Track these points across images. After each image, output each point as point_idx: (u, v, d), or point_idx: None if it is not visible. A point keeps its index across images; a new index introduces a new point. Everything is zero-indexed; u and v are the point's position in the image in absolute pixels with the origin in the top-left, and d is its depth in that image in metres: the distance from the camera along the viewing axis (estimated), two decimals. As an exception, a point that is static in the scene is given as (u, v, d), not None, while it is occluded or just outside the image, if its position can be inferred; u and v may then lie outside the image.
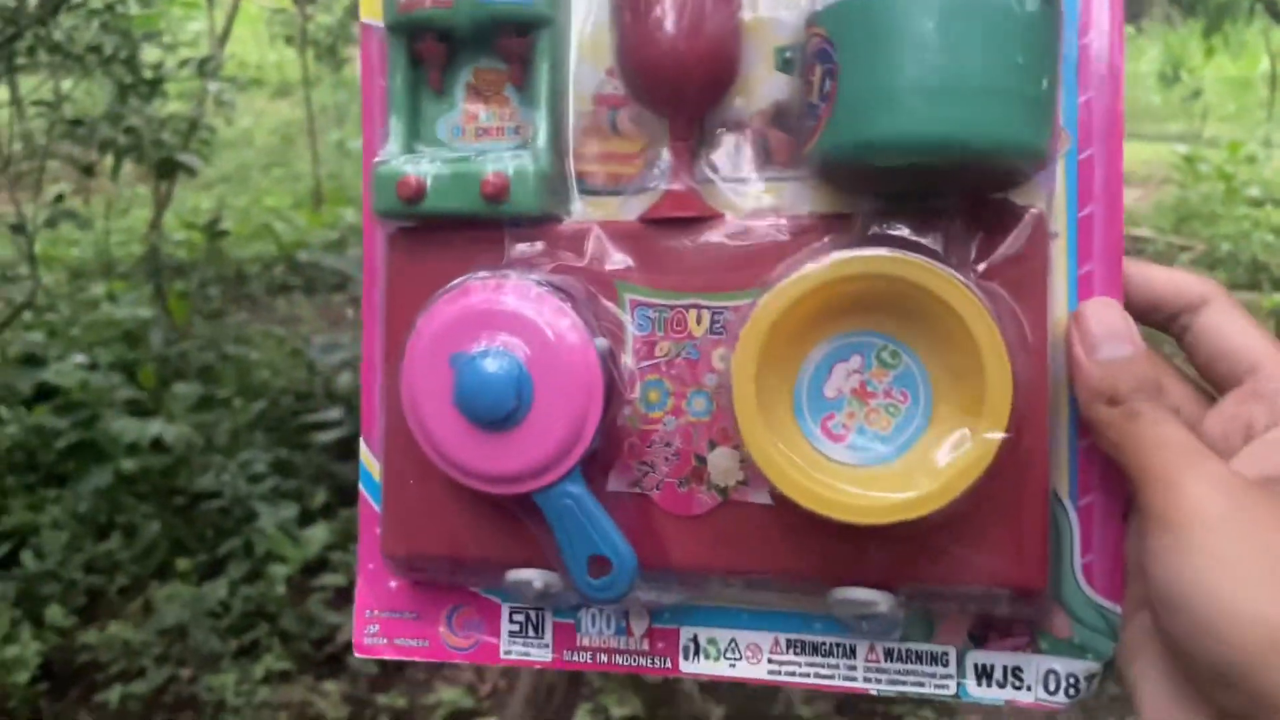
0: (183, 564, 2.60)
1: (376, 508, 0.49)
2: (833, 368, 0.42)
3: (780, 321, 0.40)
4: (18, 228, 2.57)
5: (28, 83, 3.73)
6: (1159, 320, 0.43)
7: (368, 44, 0.49)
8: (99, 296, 3.77)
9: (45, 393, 3.16)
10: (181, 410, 2.90)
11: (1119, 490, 0.42)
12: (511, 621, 0.49)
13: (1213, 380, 0.42)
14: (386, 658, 0.51)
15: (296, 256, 4.59)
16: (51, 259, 4.46)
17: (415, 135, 0.48)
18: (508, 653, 0.48)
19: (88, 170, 2.66)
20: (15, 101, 3.75)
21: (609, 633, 0.48)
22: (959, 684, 0.44)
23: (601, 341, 0.45)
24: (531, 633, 0.48)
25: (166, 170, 2.55)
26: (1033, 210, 0.42)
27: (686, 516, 0.45)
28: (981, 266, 0.42)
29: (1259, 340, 0.41)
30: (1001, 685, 0.44)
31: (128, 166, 3.44)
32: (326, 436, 3.17)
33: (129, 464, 2.64)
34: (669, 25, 0.42)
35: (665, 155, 0.46)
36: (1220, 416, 0.41)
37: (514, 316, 0.43)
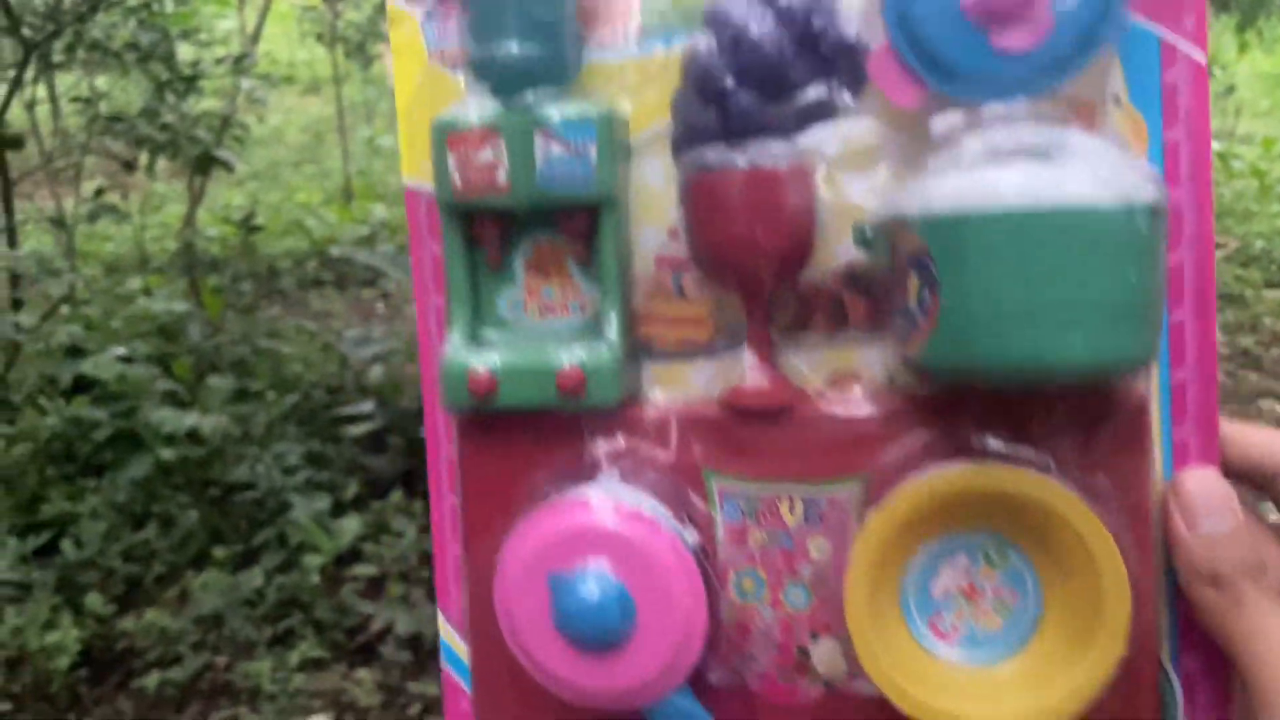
0: (219, 553, 2.64)
1: (460, 681, 0.49)
2: (939, 568, 0.41)
3: (891, 538, 0.40)
4: (58, 222, 2.61)
5: (65, 80, 3.79)
6: (1256, 482, 0.42)
7: (414, 209, 0.47)
8: (135, 291, 3.82)
9: (83, 385, 3.21)
10: (216, 403, 2.94)
11: (1219, 656, 0.41)
12: None
13: None
14: None
15: (328, 252, 4.64)
16: (88, 254, 4.53)
17: (478, 318, 0.47)
18: None
19: (128, 166, 2.70)
20: (53, 99, 3.81)
21: None
22: None
23: (691, 535, 0.44)
24: None
25: (203, 166, 2.58)
26: (1135, 397, 0.41)
27: (791, 708, 0.44)
28: (1085, 456, 0.41)
29: None
30: None
31: (162, 163, 3.49)
32: (358, 430, 3.21)
33: (167, 454, 2.68)
34: (745, 217, 0.41)
35: (737, 321, 0.45)
36: None
37: (609, 535, 0.41)
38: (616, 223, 0.44)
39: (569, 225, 0.45)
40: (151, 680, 2.38)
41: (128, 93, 3.60)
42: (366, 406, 3.28)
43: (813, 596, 0.44)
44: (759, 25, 0.41)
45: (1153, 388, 0.42)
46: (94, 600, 2.53)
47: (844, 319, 0.44)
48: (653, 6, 0.45)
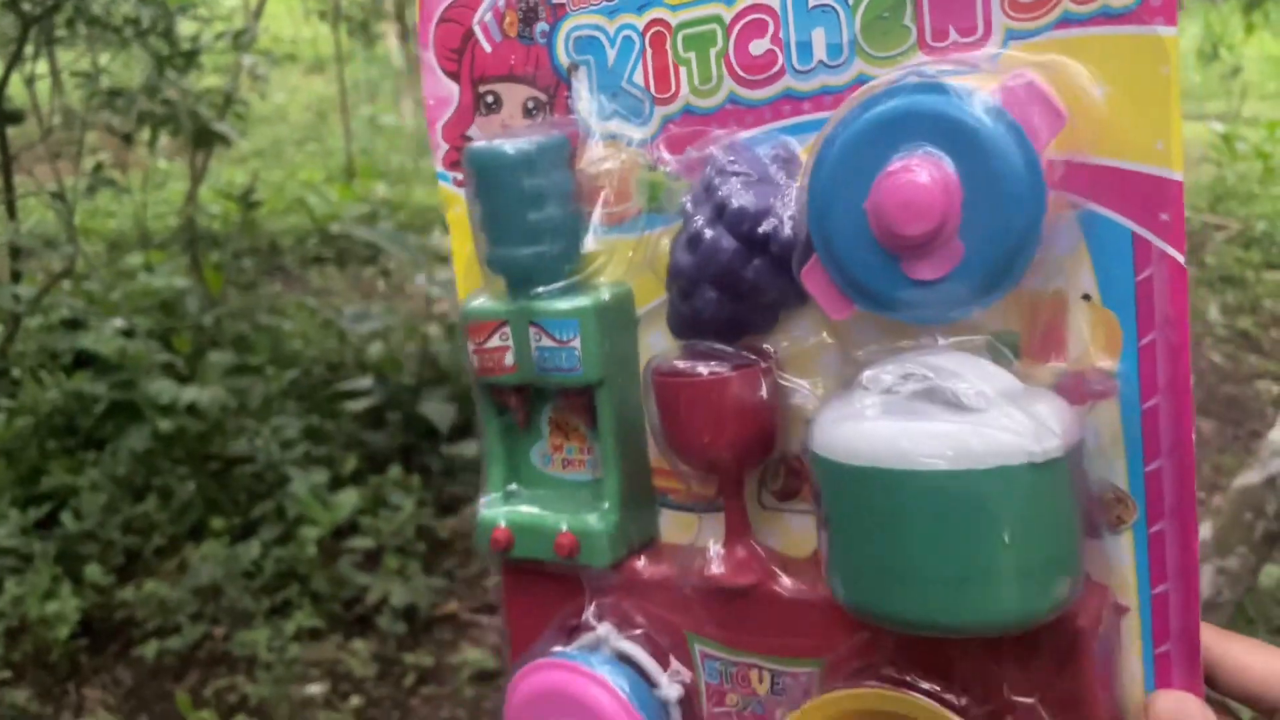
0: (217, 523, 2.67)
1: None
2: None
3: None
4: (58, 195, 2.62)
5: (66, 56, 3.79)
6: (1258, 710, 0.40)
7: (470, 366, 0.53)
8: (136, 266, 3.84)
9: (83, 360, 3.23)
10: (216, 377, 2.96)
11: None
12: None
13: None
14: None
15: (329, 229, 4.65)
16: (90, 231, 4.54)
17: (514, 471, 0.53)
18: None
19: (126, 138, 2.71)
20: (54, 74, 3.82)
21: None
22: None
23: (675, 690, 0.48)
24: None
25: (203, 140, 2.59)
26: (1070, 630, 0.39)
27: None
28: (1013, 687, 0.40)
29: None
30: None
31: (164, 140, 3.50)
32: (357, 405, 3.23)
33: (165, 425, 2.70)
34: (695, 426, 0.44)
35: (719, 503, 0.48)
36: None
37: (574, 699, 0.46)
38: (612, 400, 0.48)
39: (568, 401, 0.51)
40: (150, 649, 2.41)
41: (129, 68, 3.60)
42: (365, 383, 3.29)
43: None
44: (711, 228, 0.44)
45: (1132, 598, 0.41)
46: (94, 571, 2.56)
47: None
48: (646, 189, 0.48)
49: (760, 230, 0.43)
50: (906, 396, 0.38)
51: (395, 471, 2.99)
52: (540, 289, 0.48)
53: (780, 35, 0.44)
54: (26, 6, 2.64)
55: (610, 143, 0.48)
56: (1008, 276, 0.38)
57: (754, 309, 0.45)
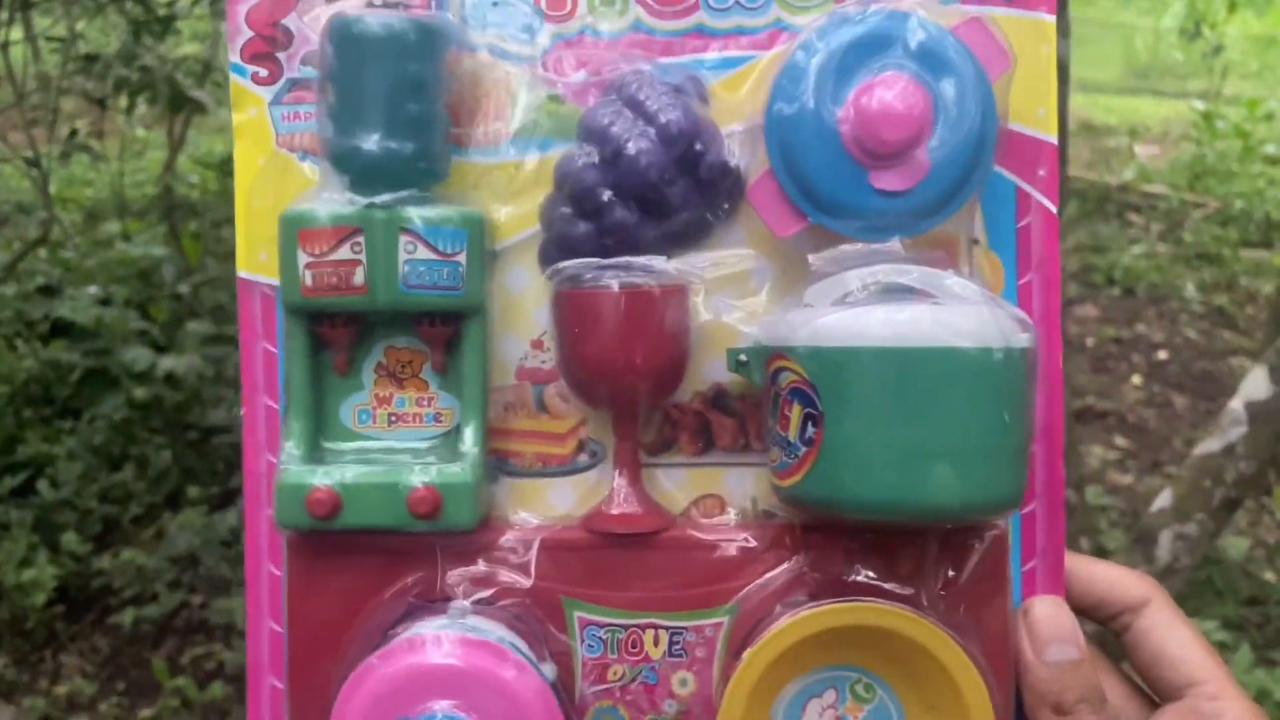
0: (193, 491, 2.66)
1: None
2: (806, 704, 0.41)
3: (764, 675, 0.39)
4: (32, 162, 2.60)
5: (41, 22, 3.75)
6: (1100, 617, 0.45)
7: (248, 303, 0.45)
8: (113, 235, 3.81)
9: (60, 329, 3.21)
10: (193, 346, 2.95)
11: None
12: None
13: (1151, 683, 0.44)
14: None
15: (309, 200, 4.62)
16: (67, 199, 4.50)
17: (320, 428, 0.43)
18: None
19: (101, 104, 2.69)
20: (30, 38, 3.77)
21: None
22: None
23: (550, 669, 0.42)
24: None
25: (178, 106, 2.57)
26: (994, 532, 0.42)
27: None
28: (949, 590, 0.42)
29: (1197, 652, 0.42)
30: None
31: (142, 108, 3.46)
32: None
33: (141, 393, 2.69)
34: (622, 336, 0.40)
35: (598, 440, 0.44)
36: None
37: (462, 674, 0.39)
38: (482, 332, 0.42)
39: (429, 331, 0.42)
40: (127, 617, 2.42)
41: (106, 34, 3.56)
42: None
43: None
44: (639, 143, 0.41)
45: (1005, 520, 0.43)
46: (71, 539, 2.56)
47: (710, 441, 0.43)
48: (526, 113, 0.43)
49: (695, 148, 0.41)
50: (899, 290, 0.39)
51: (374, 442, 2.99)
52: (402, 194, 0.41)
53: None
54: (0, -30, 2.61)
55: (486, 55, 0.43)
56: (964, 192, 0.40)
57: (664, 233, 0.42)
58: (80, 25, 3.40)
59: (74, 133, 2.67)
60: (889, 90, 0.38)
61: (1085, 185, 5.38)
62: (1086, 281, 4.46)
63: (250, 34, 0.44)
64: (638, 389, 0.41)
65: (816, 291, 0.40)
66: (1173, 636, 0.43)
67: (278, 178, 0.44)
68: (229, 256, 3.93)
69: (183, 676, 2.25)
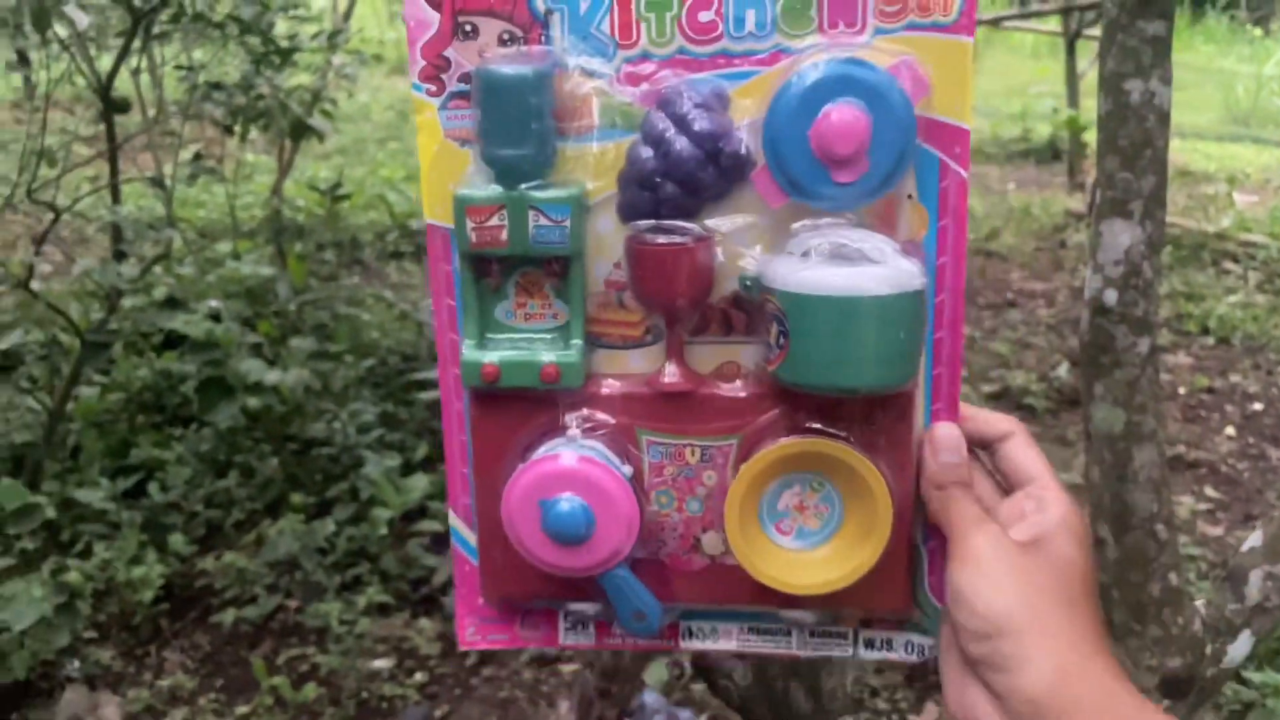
0: (296, 498, 2.77)
1: (467, 555, 0.72)
2: (783, 492, 0.66)
3: (754, 476, 0.64)
4: (158, 182, 2.76)
5: (163, 52, 3.96)
6: (979, 443, 0.66)
7: (433, 240, 0.67)
8: (225, 254, 4.00)
9: (172, 341, 3.38)
10: (298, 363, 3.08)
11: (944, 537, 0.65)
12: (566, 621, 0.72)
13: (1008, 483, 0.65)
14: (482, 648, 0.80)
15: (408, 225, 4.77)
16: (182, 219, 4.73)
17: (484, 324, 0.67)
18: (564, 640, 0.72)
19: (227, 129, 2.84)
20: (153, 69, 3.99)
21: None
22: (854, 649, 0.71)
23: (628, 469, 0.65)
24: (580, 628, 0.72)
25: (298, 134, 2.71)
26: (903, 395, 0.64)
27: (688, 572, 0.69)
28: (871, 429, 0.65)
29: (1038, 464, 0.64)
30: (879, 649, 0.71)
31: (252, 133, 3.64)
32: (429, 395, 3.33)
33: (253, 402, 2.82)
34: (665, 275, 0.63)
35: (658, 326, 0.66)
36: (1008, 505, 0.64)
37: (578, 474, 0.64)
38: (582, 264, 0.65)
39: (550, 266, 0.66)
40: (228, 617, 2.53)
41: (224, 64, 3.76)
42: (437, 374, 3.39)
43: (704, 507, 0.67)
44: (678, 142, 0.62)
45: (919, 380, 0.65)
46: (177, 540, 2.68)
47: (730, 328, 0.66)
48: (605, 113, 0.65)
49: (719, 146, 0.62)
50: (836, 255, 0.60)
51: (464, 460, 3.08)
52: (527, 183, 0.63)
53: (721, 10, 0.63)
54: (136, 2, 2.79)
55: (579, 73, 0.64)
56: (891, 182, 0.61)
57: (700, 202, 0.63)
58: (199, 54, 3.60)
59: (198, 155, 2.83)
60: (842, 116, 0.59)
61: (1181, 232, 5.29)
62: (1179, 330, 4.39)
63: (424, 62, 0.65)
64: (677, 305, 0.64)
65: (793, 245, 0.62)
66: (1024, 456, 0.64)
67: (446, 158, 0.66)
68: (331, 278, 4.09)
69: (278, 677, 2.35)
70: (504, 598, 0.70)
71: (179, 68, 3.11)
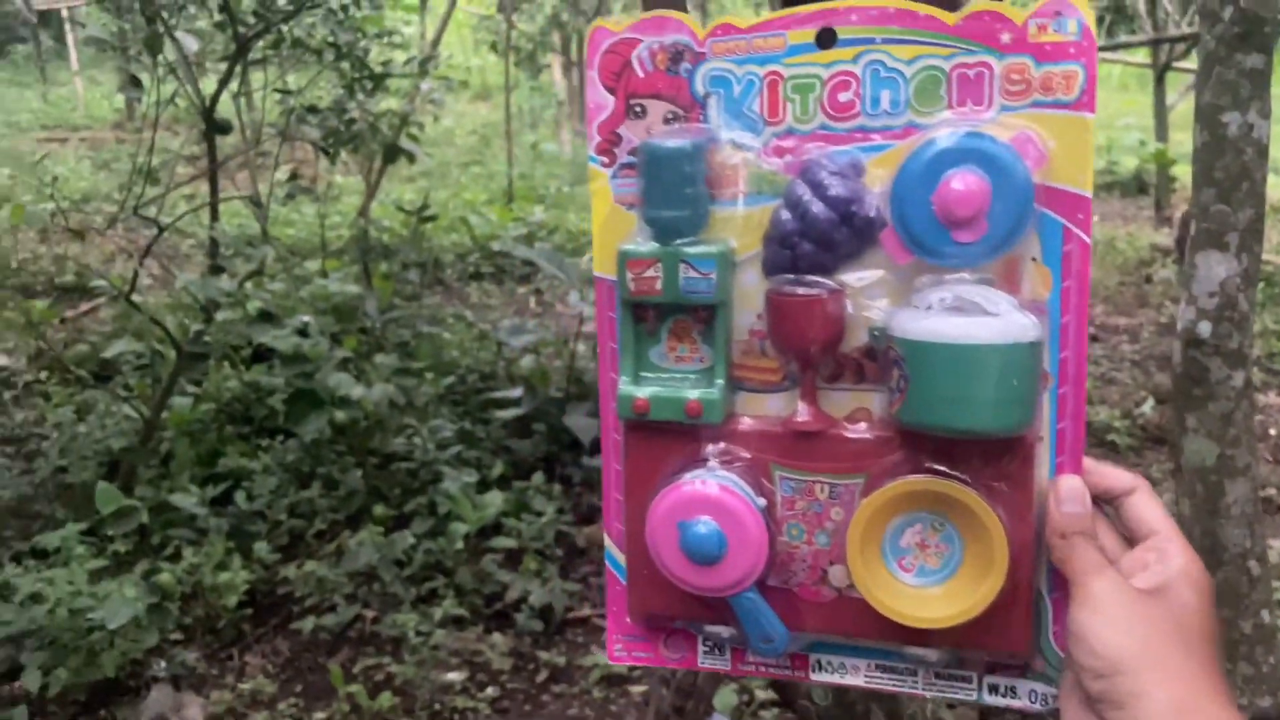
0: (379, 510, 2.83)
1: (617, 575, 0.78)
2: (905, 530, 0.69)
3: (876, 511, 0.68)
4: (255, 201, 2.85)
5: (258, 77, 4.11)
6: (1102, 498, 0.68)
7: (600, 290, 0.75)
8: (313, 272, 4.11)
9: (260, 355, 3.49)
10: (382, 378, 3.15)
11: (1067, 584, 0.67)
12: (704, 645, 0.77)
13: (1131, 537, 0.67)
14: (629, 664, 0.83)
15: (489, 247, 4.86)
16: (272, 237, 4.88)
17: (639, 364, 0.75)
18: (703, 663, 0.77)
19: (325, 151, 2.94)
20: (248, 93, 4.14)
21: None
22: (979, 693, 0.73)
23: (762, 501, 0.70)
24: (717, 652, 0.77)
25: (390, 156, 2.79)
26: (1025, 441, 0.67)
27: (817, 603, 0.73)
28: (991, 472, 0.67)
29: (1161, 518, 0.66)
30: (1003, 695, 0.73)
31: (341, 155, 3.76)
32: (506, 414, 3.38)
33: (340, 415, 2.89)
34: (801, 324, 0.69)
35: (795, 373, 0.71)
36: (1130, 557, 0.66)
37: (715, 500, 0.70)
38: (726, 313, 0.72)
39: (698, 314, 0.73)
40: (307, 624, 2.58)
41: (317, 88, 3.88)
42: (515, 393, 3.45)
43: (832, 541, 0.71)
44: (816, 207, 0.68)
45: (1044, 429, 0.68)
46: (261, 547, 2.76)
47: (862, 376, 0.70)
48: (753, 180, 0.71)
49: (851, 209, 0.68)
50: (955, 306, 0.64)
51: (538, 479, 3.12)
52: (681, 240, 0.70)
53: (860, 90, 0.69)
54: (241, 28, 2.90)
55: (732, 146, 0.71)
56: (1009, 244, 0.66)
57: (834, 259, 0.69)
58: (292, 79, 3.73)
59: (294, 175, 2.92)
60: (963, 182, 0.64)
61: (1275, 269, 5.15)
62: (1271, 368, 4.26)
63: (599, 138, 0.74)
64: (811, 351, 0.69)
65: (917, 298, 0.66)
66: (1148, 510, 0.66)
67: (615, 220, 0.74)
68: (413, 298, 4.18)
69: (355, 684, 2.39)
70: (648, 615, 0.77)
71: (278, 91, 3.22)
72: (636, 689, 2.47)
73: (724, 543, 0.69)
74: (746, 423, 0.73)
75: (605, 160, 0.74)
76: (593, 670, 2.49)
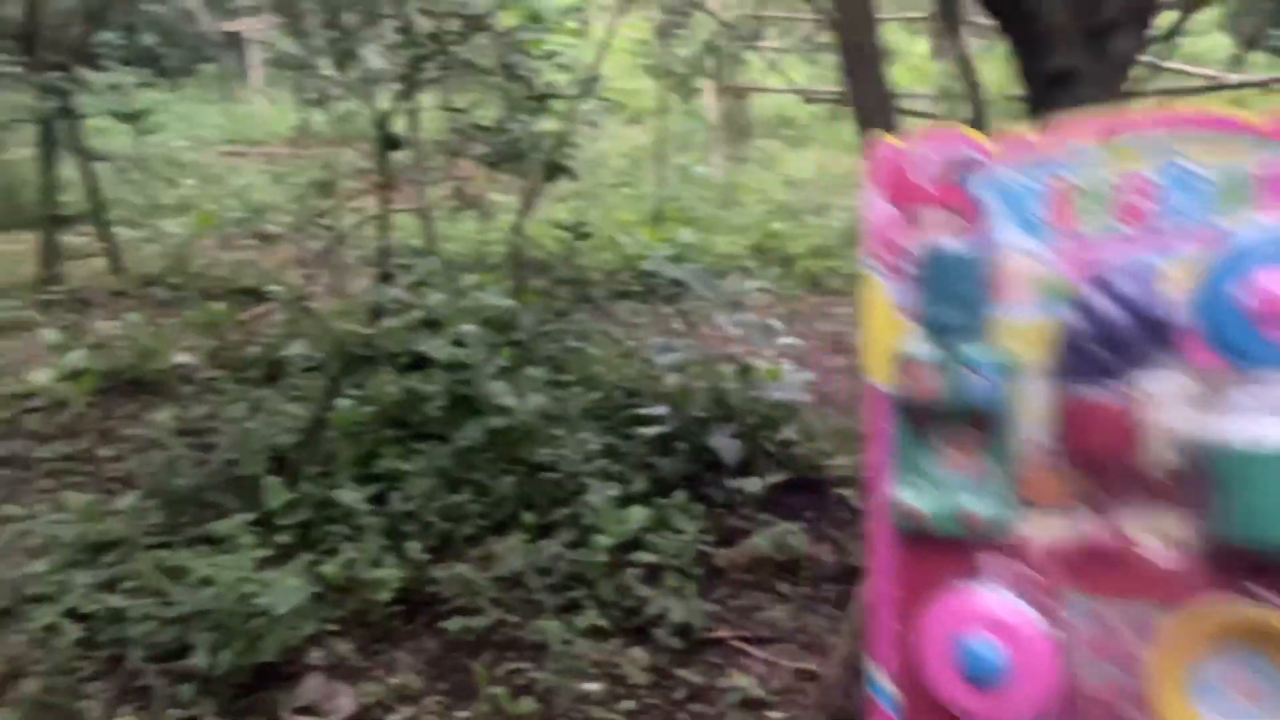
0: (528, 517, 2.90)
1: (881, 704, 0.76)
2: (1215, 666, 0.62)
3: (1183, 647, 0.60)
4: (423, 214, 2.98)
5: (422, 96, 4.28)
6: None
7: (872, 395, 0.75)
8: (469, 285, 4.25)
9: (417, 362, 3.62)
10: (533, 390, 3.24)
11: None
12: None
13: None
14: None
15: (638, 266, 4.93)
16: (430, 253, 5.07)
17: (915, 471, 0.73)
18: None
19: (494, 165, 3.05)
20: (414, 111, 4.33)
21: None
22: None
23: (1060, 633, 0.65)
24: None
25: (551, 174, 2.88)
26: None
27: None
28: None
29: None
30: None
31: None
32: (650, 430, 3.42)
33: (497, 421, 2.98)
34: (1094, 431, 0.66)
35: (1087, 493, 0.67)
36: None
37: (997, 618, 0.66)
38: (1008, 421, 0.69)
39: (979, 422, 0.71)
40: (454, 625, 2.66)
41: (479, 107, 4.03)
42: (660, 410, 3.48)
43: (1129, 674, 0.65)
44: (1110, 312, 0.66)
45: None
46: (413, 547, 2.85)
47: (1161, 494, 0.66)
48: (1039, 288, 0.70)
49: (1147, 313, 0.65)
50: (1269, 408, 0.60)
51: (680, 497, 3.14)
52: (962, 345, 0.69)
53: (1153, 194, 0.67)
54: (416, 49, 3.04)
55: (1016, 252, 0.71)
56: None
57: (1129, 364, 0.66)
58: (456, 98, 3.88)
59: (460, 191, 3.04)
60: (1273, 278, 0.61)
61: None
62: None
63: (879, 245, 0.76)
64: (1104, 463, 0.65)
65: (1224, 403, 0.62)
66: None
67: (891, 325, 0.75)
68: (563, 314, 4.27)
69: (497, 687, 2.45)
70: None
71: (449, 109, 3.36)
72: (775, 715, 2.45)
73: (1004, 665, 0.64)
74: (1035, 542, 0.69)
75: (883, 269, 0.75)
76: (730, 693, 2.49)
